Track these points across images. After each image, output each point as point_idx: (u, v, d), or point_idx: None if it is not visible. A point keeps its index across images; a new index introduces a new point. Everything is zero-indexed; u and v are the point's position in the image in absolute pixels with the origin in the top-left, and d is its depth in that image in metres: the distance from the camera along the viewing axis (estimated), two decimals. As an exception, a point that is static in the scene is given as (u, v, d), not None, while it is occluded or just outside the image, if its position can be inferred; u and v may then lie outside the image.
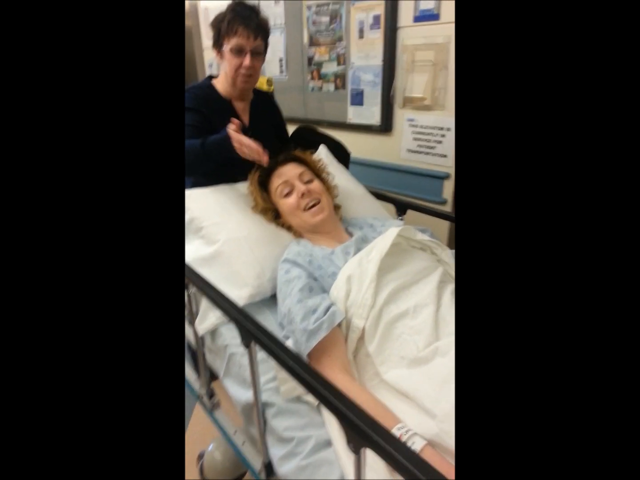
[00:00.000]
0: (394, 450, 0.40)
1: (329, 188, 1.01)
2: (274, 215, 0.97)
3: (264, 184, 0.99)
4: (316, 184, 0.95)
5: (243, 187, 1.08)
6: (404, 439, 0.54)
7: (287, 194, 0.94)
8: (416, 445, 0.53)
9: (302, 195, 0.91)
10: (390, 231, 0.81)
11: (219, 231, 0.94)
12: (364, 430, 0.42)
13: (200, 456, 1.21)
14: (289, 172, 0.95)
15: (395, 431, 0.55)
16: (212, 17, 2.01)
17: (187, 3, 2.46)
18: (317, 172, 1.01)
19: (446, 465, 0.51)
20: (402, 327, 0.70)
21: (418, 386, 0.61)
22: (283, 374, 0.69)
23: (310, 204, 0.92)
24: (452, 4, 1.15)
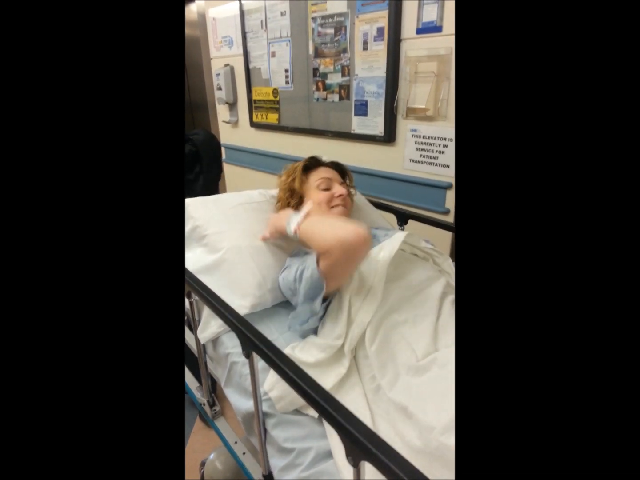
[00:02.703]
0: (393, 465, 0.39)
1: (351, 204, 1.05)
2: (297, 201, 0.99)
3: (306, 170, 1.02)
4: (348, 198, 1.01)
5: (247, 194, 1.09)
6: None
7: (324, 189, 0.97)
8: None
9: (339, 196, 0.96)
10: (398, 234, 0.83)
11: (222, 239, 0.95)
12: (363, 444, 0.42)
13: (202, 465, 1.21)
14: (334, 174, 1.01)
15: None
16: (219, 26, 2.06)
17: (195, 13, 2.51)
18: (348, 188, 1.06)
19: None
20: (402, 335, 0.70)
21: (417, 398, 0.61)
22: (276, 392, 0.69)
23: (339, 206, 0.96)
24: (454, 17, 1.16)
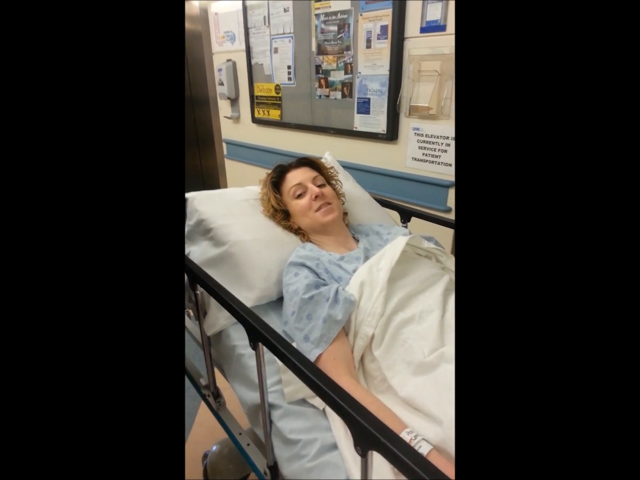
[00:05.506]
0: (401, 454, 0.40)
1: (338, 194, 1.04)
2: (283, 216, 0.99)
3: (277, 185, 1.01)
4: (328, 189, 0.98)
5: (251, 190, 1.10)
6: (412, 443, 0.55)
7: (300, 196, 0.96)
8: (423, 449, 0.54)
9: (316, 197, 0.94)
10: (399, 240, 0.83)
11: (227, 233, 0.96)
12: (372, 433, 0.43)
13: (205, 456, 1.22)
14: (303, 175, 0.98)
15: (405, 435, 0.56)
16: (222, 21, 2.05)
17: (197, 8, 2.50)
18: (328, 178, 1.04)
19: (451, 470, 0.52)
20: (408, 333, 0.71)
21: (425, 392, 0.62)
22: (287, 376, 0.70)
23: (322, 206, 0.94)
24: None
